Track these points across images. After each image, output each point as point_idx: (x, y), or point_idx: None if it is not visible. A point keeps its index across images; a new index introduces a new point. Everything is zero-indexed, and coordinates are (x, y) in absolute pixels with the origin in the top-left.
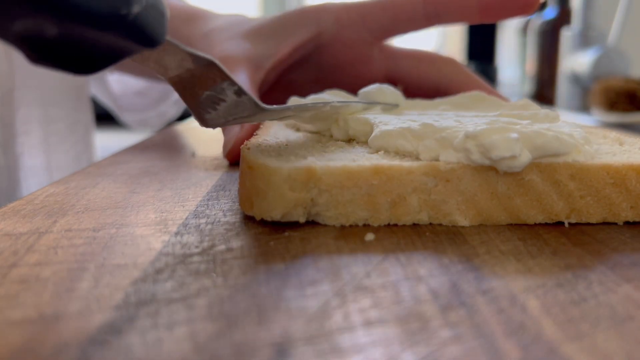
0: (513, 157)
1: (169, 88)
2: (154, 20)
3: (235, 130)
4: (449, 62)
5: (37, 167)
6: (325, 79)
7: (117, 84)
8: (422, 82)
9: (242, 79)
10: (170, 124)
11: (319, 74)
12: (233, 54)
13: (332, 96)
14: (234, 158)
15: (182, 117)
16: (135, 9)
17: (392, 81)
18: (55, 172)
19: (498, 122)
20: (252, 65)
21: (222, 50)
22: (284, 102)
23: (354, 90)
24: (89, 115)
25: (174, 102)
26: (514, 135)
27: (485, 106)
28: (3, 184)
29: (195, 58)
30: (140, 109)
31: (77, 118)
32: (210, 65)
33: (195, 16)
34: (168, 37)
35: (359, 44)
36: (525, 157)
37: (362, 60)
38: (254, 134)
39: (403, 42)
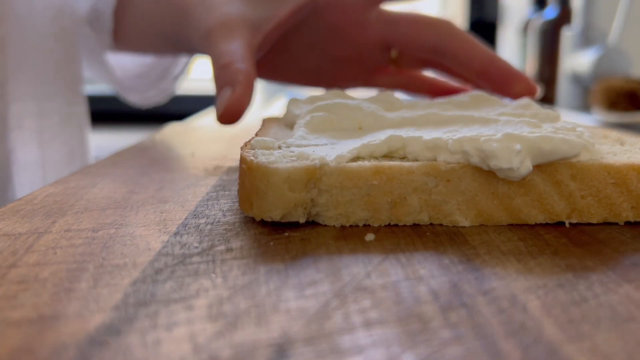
0: (511, 169)
1: (166, 67)
2: None
3: (227, 92)
4: (445, 24)
5: (30, 162)
6: (321, 43)
7: (118, 70)
8: (419, 45)
9: (240, 43)
10: (173, 118)
11: (316, 38)
12: (231, 18)
13: (331, 95)
14: (226, 121)
15: (182, 116)
16: None
17: (388, 45)
18: (49, 167)
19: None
20: (250, 28)
21: (221, 14)
22: (280, 66)
23: (350, 56)
24: (83, 110)
25: (173, 79)
26: (518, 147)
27: (487, 106)
28: None
29: None
30: (142, 88)
31: (71, 112)
32: None
33: None
34: None
35: (355, 8)
36: (525, 169)
37: (358, 24)
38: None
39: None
